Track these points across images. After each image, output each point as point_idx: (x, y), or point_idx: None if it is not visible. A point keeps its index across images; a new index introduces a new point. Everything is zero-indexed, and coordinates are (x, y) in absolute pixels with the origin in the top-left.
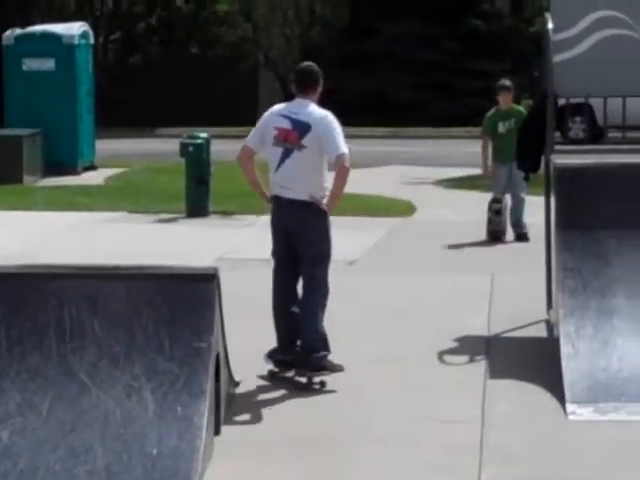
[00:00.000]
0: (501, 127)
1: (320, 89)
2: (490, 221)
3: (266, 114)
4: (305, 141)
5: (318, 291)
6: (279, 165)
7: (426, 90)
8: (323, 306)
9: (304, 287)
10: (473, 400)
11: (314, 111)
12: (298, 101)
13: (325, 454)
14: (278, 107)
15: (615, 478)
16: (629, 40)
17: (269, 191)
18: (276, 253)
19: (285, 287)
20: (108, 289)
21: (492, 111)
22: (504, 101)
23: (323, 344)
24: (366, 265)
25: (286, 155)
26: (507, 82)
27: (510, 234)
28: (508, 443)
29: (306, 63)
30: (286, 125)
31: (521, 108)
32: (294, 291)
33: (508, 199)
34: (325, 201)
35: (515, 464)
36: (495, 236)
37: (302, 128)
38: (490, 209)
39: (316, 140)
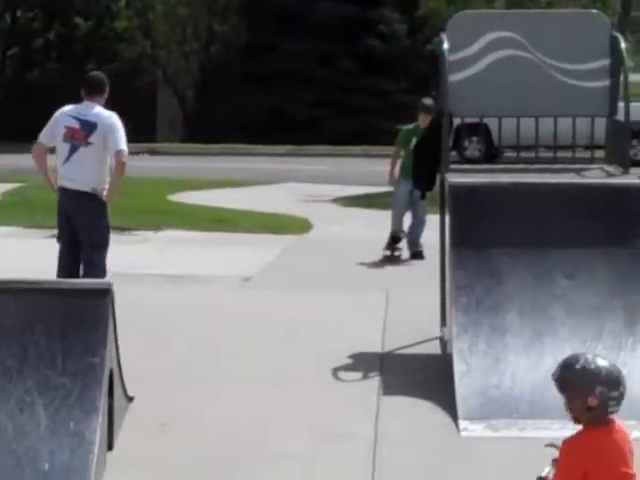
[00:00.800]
0: (413, 143)
1: (106, 95)
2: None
3: (57, 114)
4: (92, 138)
5: (96, 275)
6: (66, 159)
7: (324, 108)
8: None
9: (84, 270)
10: (366, 417)
11: (101, 112)
12: (86, 104)
13: (222, 473)
14: (68, 108)
15: None
16: (524, 61)
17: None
18: (61, 237)
19: (68, 266)
20: (1, 302)
21: (410, 126)
22: (423, 121)
23: None
24: (261, 282)
25: (73, 150)
26: (429, 102)
27: (406, 252)
28: (401, 459)
29: (95, 72)
30: (74, 125)
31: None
32: (76, 271)
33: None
34: (105, 193)
35: None
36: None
37: (89, 127)
38: (388, 247)
39: (101, 137)
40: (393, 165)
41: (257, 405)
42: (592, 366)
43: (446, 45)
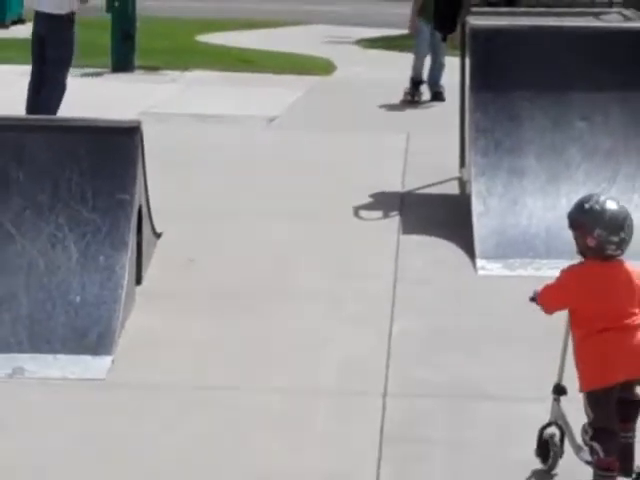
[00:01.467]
0: None
1: None
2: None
3: None
4: None
5: (56, 87)
6: None
7: None
8: (58, 101)
9: (46, 84)
10: (387, 255)
11: None
12: None
13: (243, 308)
14: None
15: (521, 329)
16: None
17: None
18: (32, 54)
19: (34, 79)
20: (32, 140)
21: None
22: None
23: None
24: (285, 122)
25: None
26: None
27: (427, 94)
28: (420, 296)
29: None
30: None
31: None
32: (38, 86)
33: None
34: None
35: (426, 316)
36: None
37: None
38: (410, 91)
39: None
40: (414, 10)
41: (279, 240)
42: (597, 207)
43: None
